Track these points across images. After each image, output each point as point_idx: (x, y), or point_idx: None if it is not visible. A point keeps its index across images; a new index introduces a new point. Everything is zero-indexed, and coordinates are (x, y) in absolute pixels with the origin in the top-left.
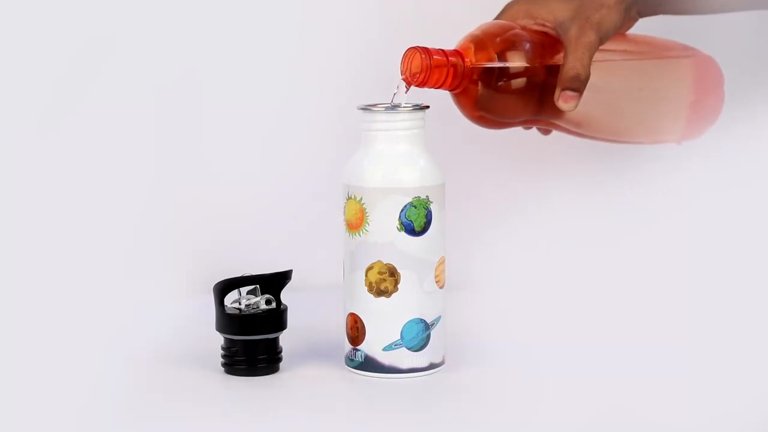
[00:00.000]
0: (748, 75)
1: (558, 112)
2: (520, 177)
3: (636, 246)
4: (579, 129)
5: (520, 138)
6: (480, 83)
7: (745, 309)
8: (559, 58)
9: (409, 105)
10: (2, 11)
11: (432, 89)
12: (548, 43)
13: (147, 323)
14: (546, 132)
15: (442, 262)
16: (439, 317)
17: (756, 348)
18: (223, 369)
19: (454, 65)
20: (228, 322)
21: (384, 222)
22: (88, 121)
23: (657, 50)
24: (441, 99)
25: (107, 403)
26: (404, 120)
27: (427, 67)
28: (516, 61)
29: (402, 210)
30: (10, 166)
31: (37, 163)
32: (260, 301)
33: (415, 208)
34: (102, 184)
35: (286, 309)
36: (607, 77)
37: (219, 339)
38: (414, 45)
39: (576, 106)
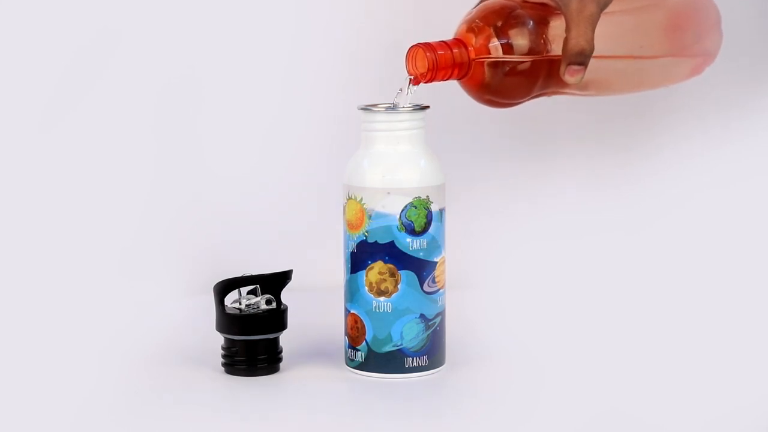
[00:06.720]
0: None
1: (564, 83)
2: (520, 177)
3: (636, 247)
4: (583, 92)
5: (520, 138)
6: (486, 69)
7: (745, 309)
8: (562, 33)
9: (410, 105)
10: (3, 10)
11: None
12: (550, 18)
13: (147, 323)
14: (549, 95)
15: (442, 262)
16: (440, 317)
17: (756, 347)
18: (223, 369)
19: (459, 64)
20: (228, 322)
21: (384, 222)
22: (88, 122)
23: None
24: (441, 99)
25: (107, 403)
26: (404, 120)
27: (433, 66)
28: (520, 46)
29: (402, 210)
30: (11, 166)
31: (37, 162)
32: (260, 301)
33: (415, 208)
34: (102, 184)
35: (286, 309)
36: (609, 43)
37: (219, 339)
38: (417, 42)
39: (582, 79)
